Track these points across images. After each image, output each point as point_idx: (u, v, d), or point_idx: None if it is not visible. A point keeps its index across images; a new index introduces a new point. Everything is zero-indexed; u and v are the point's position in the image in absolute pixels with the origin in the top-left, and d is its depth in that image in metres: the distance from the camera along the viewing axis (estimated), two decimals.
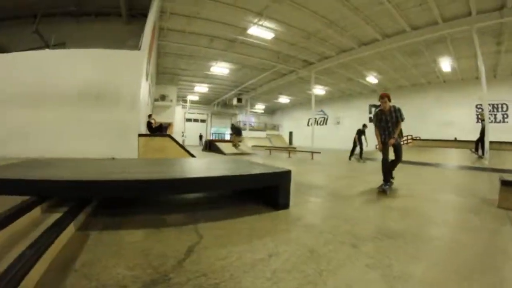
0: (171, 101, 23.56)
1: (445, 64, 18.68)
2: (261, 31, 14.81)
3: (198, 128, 36.11)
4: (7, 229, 2.14)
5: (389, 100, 5.27)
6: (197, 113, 36.17)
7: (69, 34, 12.19)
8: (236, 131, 18.69)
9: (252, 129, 35.96)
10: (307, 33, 15.23)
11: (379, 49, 16.06)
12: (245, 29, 14.72)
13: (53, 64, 8.65)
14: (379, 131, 5.45)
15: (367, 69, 21.01)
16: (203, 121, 37.22)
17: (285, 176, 3.86)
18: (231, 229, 2.94)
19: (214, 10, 13.04)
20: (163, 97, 23.06)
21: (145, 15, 11.43)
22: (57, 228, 2.36)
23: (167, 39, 15.43)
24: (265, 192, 3.92)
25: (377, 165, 7.20)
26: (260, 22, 13.98)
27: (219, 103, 35.08)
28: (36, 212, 2.67)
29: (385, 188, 5.07)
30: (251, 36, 15.49)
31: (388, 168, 5.31)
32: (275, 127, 40.57)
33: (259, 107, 38.70)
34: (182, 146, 9.39)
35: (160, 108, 22.87)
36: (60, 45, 11.49)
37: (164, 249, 2.41)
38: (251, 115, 36.59)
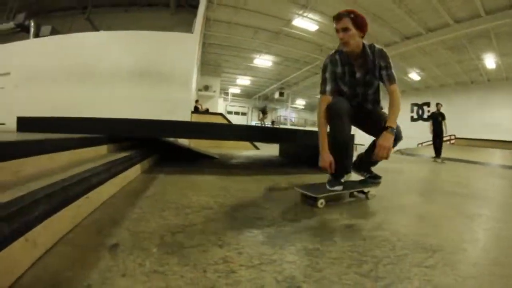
0: (214, 91, 23.67)
1: (489, 61, 17.74)
2: (306, 22, 14.66)
3: (239, 121, 35.32)
4: (75, 152, 2.29)
5: (361, 30, 2.48)
6: (238, 106, 36.08)
7: (118, 22, 12.47)
8: (262, 110, 21.32)
9: (293, 124, 35.55)
10: None
11: (422, 43, 15.51)
12: (290, 20, 14.61)
13: (109, 45, 9.32)
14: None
15: (409, 64, 20.30)
16: (243, 114, 37.05)
17: None
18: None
19: (261, 1, 13.04)
20: (206, 88, 23.14)
21: (192, 6, 11.84)
22: (125, 161, 2.61)
23: (213, 30, 15.55)
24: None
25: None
26: (305, 14, 13.84)
27: (260, 97, 34.70)
28: (103, 149, 2.94)
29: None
30: (295, 28, 15.35)
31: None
32: (315, 124, 38.96)
33: (300, 102, 38.05)
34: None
35: (204, 98, 22.73)
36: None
37: (244, 186, 2.66)
38: (291, 111, 36.16)
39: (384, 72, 2.48)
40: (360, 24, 2.42)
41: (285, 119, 33.80)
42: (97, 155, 2.70)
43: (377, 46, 2.57)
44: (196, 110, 12.29)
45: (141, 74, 8.79)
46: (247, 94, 34.64)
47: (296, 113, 39.85)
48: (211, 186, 2.73)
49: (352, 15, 2.38)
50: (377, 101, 2.76)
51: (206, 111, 13.07)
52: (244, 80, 27.79)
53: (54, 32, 11.32)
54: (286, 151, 6.18)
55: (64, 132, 3.21)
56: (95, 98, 8.83)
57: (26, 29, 12.19)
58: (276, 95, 30.45)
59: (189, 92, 8.91)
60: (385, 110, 2.59)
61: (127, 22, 12.41)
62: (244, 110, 37.13)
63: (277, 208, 2.05)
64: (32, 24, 12.03)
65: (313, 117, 40.10)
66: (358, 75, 2.56)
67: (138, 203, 1.94)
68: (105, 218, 1.61)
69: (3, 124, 10.26)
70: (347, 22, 2.37)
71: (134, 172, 2.88)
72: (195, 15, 10.56)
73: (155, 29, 9.59)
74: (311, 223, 1.82)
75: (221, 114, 10.12)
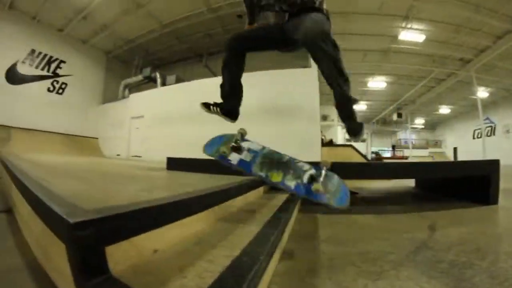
0: (332, 120, 23.23)
1: None
2: (412, 34, 14.17)
3: (359, 149, 33.56)
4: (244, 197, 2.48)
5: None
6: None
7: None
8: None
9: (414, 147, 33.18)
10: (456, 26, 13.77)
11: None
12: (395, 36, 14.31)
13: None
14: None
15: None
16: (363, 140, 34.04)
17: (494, 165, 3.48)
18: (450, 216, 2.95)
19: (362, 23, 13.09)
20: (324, 117, 22.83)
21: None
22: (288, 205, 2.54)
23: None
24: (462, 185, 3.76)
25: None
26: (408, 26, 13.47)
27: (378, 120, 33.22)
28: (259, 191, 3.08)
29: None
30: (402, 42, 14.92)
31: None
32: (437, 144, 35.98)
33: (419, 121, 35.28)
34: (364, 156, 9.22)
35: (324, 128, 22.42)
36: None
37: (404, 227, 2.53)
38: (411, 132, 33.90)
39: None
40: None
41: (406, 142, 31.61)
42: (257, 197, 2.89)
43: None
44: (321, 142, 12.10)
45: (267, 111, 9.13)
46: (364, 120, 32.55)
47: (416, 134, 37.21)
48: (376, 228, 2.60)
49: None
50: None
51: (330, 142, 12.81)
52: (360, 106, 27.08)
53: (178, 80, 13.00)
54: (424, 182, 5.53)
55: (208, 172, 3.61)
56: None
57: (153, 80, 14.05)
58: (394, 117, 28.85)
59: (317, 125, 8.94)
60: None
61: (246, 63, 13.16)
62: (364, 137, 34.71)
63: None
64: (158, 75, 13.94)
65: (434, 136, 37.31)
66: None
67: (322, 249, 1.89)
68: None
69: (140, 156, 12.60)
70: None
71: (295, 212, 2.78)
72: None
73: (269, 66, 9.91)
74: None
75: (350, 146, 9.87)
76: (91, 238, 0.92)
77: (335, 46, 2.08)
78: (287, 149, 7.41)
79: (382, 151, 34.50)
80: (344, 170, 3.40)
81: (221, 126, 8.41)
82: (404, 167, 4.02)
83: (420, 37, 14.40)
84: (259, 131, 8.75)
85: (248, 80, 8.99)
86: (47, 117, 13.95)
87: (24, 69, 13.60)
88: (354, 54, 15.80)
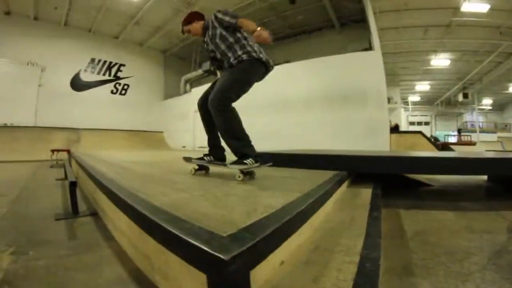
0: (396, 102, 22.43)
1: None
2: (475, 4, 13.05)
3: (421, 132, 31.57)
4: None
5: (190, 22, 3.19)
6: (420, 115, 32.70)
7: (291, 52, 13.39)
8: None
9: (482, 130, 30.13)
10: None
11: None
12: (457, 8, 13.24)
13: (294, 75, 10.19)
14: None
15: None
16: (426, 123, 32.98)
17: None
18: None
19: None
20: (388, 100, 22.02)
21: (354, 21, 12.53)
22: (376, 201, 2.54)
23: (382, 39, 14.72)
24: None
25: None
26: None
27: (442, 102, 30.71)
28: (344, 186, 3.05)
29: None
30: (465, 14, 13.75)
31: None
32: (506, 127, 31.92)
33: (486, 102, 31.97)
34: (433, 143, 8.73)
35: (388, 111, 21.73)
36: (286, 62, 12.45)
37: (483, 227, 2.42)
38: (478, 114, 30.92)
39: (224, 23, 2.88)
40: (188, 20, 3.20)
41: (472, 125, 29.11)
42: (342, 192, 2.89)
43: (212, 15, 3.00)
44: None
45: (330, 98, 8.94)
46: (427, 101, 31.24)
47: (483, 116, 33.76)
48: (457, 226, 2.51)
49: (183, 22, 3.23)
50: (232, 51, 2.93)
51: (396, 128, 12.29)
52: (423, 86, 25.71)
53: None
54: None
55: (292, 166, 3.72)
56: (289, 124, 9.88)
57: (214, 73, 14.23)
58: (460, 98, 26.72)
59: (384, 111, 8.56)
60: None
61: (298, 51, 13.05)
62: (427, 119, 33.19)
63: None
64: None
65: (502, 119, 33.68)
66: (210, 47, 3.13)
67: (412, 248, 1.94)
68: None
69: (205, 147, 12.69)
70: (184, 28, 3.25)
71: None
72: (360, 29, 10.35)
73: (325, 51, 9.68)
74: None
75: (420, 133, 9.40)
76: (240, 267, 0.94)
77: (224, 111, 2.83)
78: (353, 138, 7.37)
79: (447, 136, 30.69)
80: (414, 164, 3.22)
81: (298, 115, 8.59)
82: (486, 162, 3.57)
83: (484, 7, 13.27)
84: (324, 118, 8.73)
85: (310, 66, 9.08)
86: (113, 117, 15.48)
87: (86, 77, 15.35)
88: (414, 31, 15.01)
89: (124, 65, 16.96)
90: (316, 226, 1.78)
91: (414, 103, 30.17)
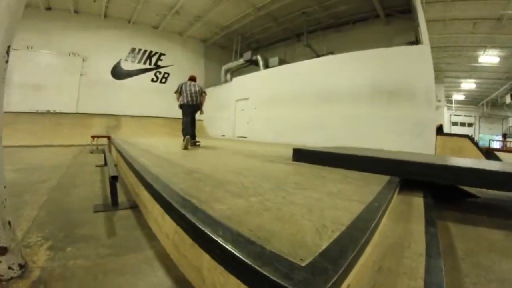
0: (439, 101, 21.39)
1: None
2: None
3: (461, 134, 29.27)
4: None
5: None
6: (463, 116, 30.86)
7: (334, 43, 13.25)
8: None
9: None
10: None
11: None
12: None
13: (339, 67, 10.10)
14: None
15: None
16: (470, 125, 31.20)
17: None
18: None
19: None
20: None
21: (400, 12, 12.00)
22: (431, 214, 2.37)
23: (428, 32, 13.98)
24: None
25: None
26: None
27: (488, 102, 28.74)
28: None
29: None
30: None
31: None
32: None
33: None
34: (480, 150, 8.24)
35: None
36: (330, 54, 12.39)
37: None
38: None
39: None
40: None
41: None
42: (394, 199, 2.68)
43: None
44: None
45: (374, 93, 8.86)
46: (472, 101, 29.51)
47: None
48: (508, 251, 2.20)
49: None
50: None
51: (440, 128, 11.69)
52: (469, 84, 24.25)
53: (281, 62, 13.18)
54: None
55: (341, 167, 3.71)
56: (333, 118, 9.79)
57: (255, 63, 14.58)
58: (508, 99, 24.36)
59: (431, 110, 8.22)
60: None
61: (341, 41, 12.82)
62: (471, 120, 31.33)
63: None
64: (260, 58, 14.35)
65: None
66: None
67: (464, 270, 1.77)
68: None
69: (245, 137, 13.49)
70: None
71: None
72: (406, 20, 9.94)
73: (370, 42, 9.40)
74: None
75: (467, 137, 8.87)
76: None
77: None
78: (398, 136, 7.06)
79: (492, 140, 27.18)
80: (480, 176, 2.87)
81: (348, 108, 9.34)
82: None
83: None
84: (370, 114, 8.46)
85: (356, 59, 8.85)
86: (153, 104, 16.12)
87: (127, 66, 16.03)
88: (462, 24, 14.10)
89: (164, 54, 17.30)
90: (376, 241, 1.67)
91: (458, 102, 28.76)
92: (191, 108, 7.66)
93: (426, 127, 7.87)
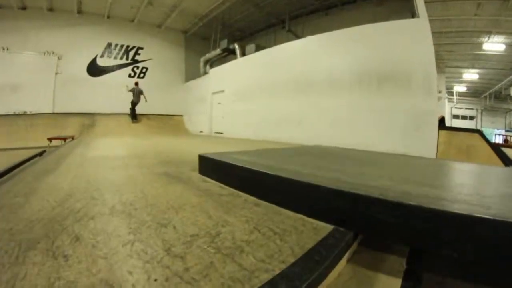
0: (440, 92, 20.13)
1: None
2: None
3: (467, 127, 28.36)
4: None
5: None
6: (465, 108, 29.41)
7: (321, 27, 11.87)
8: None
9: None
10: None
11: None
12: None
13: (319, 49, 8.91)
14: None
15: None
16: (471, 118, 29.74)
17: None
18: None
19: None
20: None
21: None
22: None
23: (428, 15, 12.77)
24: None
25: None
26: None
27: (491, 95, 27.28)
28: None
29: None
30: None
31: None
32: None
33: None
34: (495, 149, 6.68)
35: None
36: None
37: None
38: None
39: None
40: None
41: None
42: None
43: None
44: None
45: (361, 80, 7.51)
46: (474, 93, 28.14)
47: None
48: None
49: None
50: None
51: (442, 121, 10.45)
52: (471, 74, 22.93)
53: (258, 48, 12.10)
54: None
55: (260, 196, 2.22)
56: (310, 108, 8.62)
57: (233, 52, 14.00)
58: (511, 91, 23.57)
59: (432, 99, 6.73)
60: None
61: (330, 25, 11.59)
62: (472, 113, 29.90)
63: None
64: (237, 46, 13.70)
65: None
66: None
67: None
68: None
69: (221, 133, 13.01)
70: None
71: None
72: (402, 1, 8.71)
73: (359, 22, 8.14)
74: None
75: (478, 132, 7.38)
76: None
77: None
78: (390, 132, 5.63)
79: (488, 133, 26.47)
80: None
81: (318, 98, 7.91)
82: None
83: None
84: (355, 104, 7.18)
85: (338, 39, 7.39)
86: (130, 101, 15.51)
87: (103, 62, 16.00)
88: (465, 5, 12.72)
89: (142, 48, 16.94)
90: None
91: (460, 94, 27.56)
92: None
93: (426, 121, 6.42)
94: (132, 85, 14.92)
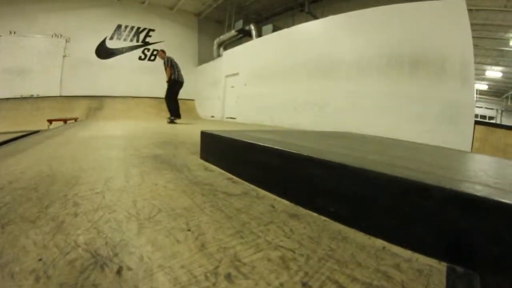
0: None
1: None
2: None
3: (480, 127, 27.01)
4: None
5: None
6: (484, 108, 27.99)
7: (340, 10, 11.18)
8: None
9: None
10: None
11: None
12: None
13: (347, 29, 8.37)
14: None
15: None
16: (490, 118, 28.02)
17: None
18: None
19: None
20: None
21: None
22: None
23: None
24: None
25: None
26: None
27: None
28: None
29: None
30: None
31: None
32: None
33: None
34: None
35: None
36: None
37: None
38: None
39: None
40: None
41: None
42: None
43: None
44: None
45: (391, 64, 6.90)
46: (495, 92, 26.84)
47: None
48: None
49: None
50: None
51: None
52: (495, 72, 21.80)
53: (276, 30, 11.60)
54: None
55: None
56: (334, 93, 8.11)
57: (248, 33, 13.71)
58: None
59: (470, 89, 6.16)
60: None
61: (348, 8, 10.90)
62: (492, 113, 28.47)
63: None
64: (253, 27, 13.46)
65: None
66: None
67: None
68: None
69: (234, 118, 12.56)
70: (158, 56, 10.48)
71: None
72: None
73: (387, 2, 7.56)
74: None
75: None
76: None
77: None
78: (421, 122, 4.95)
79: None
80: None
81: (343, 82, 7.86)
82: None
83: None
84: (383, 90, 6.60)
85: (366, 19, 6.67)
86: (140, 84, 15.75)
87: (112, 44, 15.72)
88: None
89: (153, 30, 16.63)
90: None
91: (480, 93, 26.39)
92: (180, 85, 8.25)
93: (461, 113, 5.82)
94: (160, 59, 9.19)
